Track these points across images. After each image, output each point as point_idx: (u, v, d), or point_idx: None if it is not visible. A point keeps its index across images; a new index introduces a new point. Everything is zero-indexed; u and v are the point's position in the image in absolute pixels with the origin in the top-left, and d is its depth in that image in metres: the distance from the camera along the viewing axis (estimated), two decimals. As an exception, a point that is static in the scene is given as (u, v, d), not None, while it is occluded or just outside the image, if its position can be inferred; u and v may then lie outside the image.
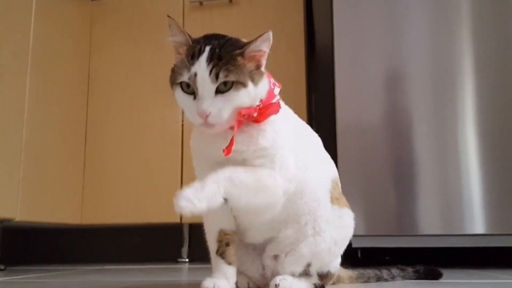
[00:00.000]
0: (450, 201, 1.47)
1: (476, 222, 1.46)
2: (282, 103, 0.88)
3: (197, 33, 2.36)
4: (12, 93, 1.65)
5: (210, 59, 0.73)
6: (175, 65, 0.79)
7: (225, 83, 0.73)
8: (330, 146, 0.97)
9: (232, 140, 0.74)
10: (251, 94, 0.75)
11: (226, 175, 0.74)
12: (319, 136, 0.94)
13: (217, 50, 0.74)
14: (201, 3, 2.08)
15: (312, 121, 2.11)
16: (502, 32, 1.53)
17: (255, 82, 0.76)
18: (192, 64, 0.73)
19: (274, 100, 0.80)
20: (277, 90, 0.82)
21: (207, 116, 0.72)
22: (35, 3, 1.77)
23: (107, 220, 2.01)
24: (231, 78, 0.73)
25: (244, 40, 0.78)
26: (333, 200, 0.87)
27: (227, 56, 0.74)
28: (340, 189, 0.92)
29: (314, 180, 0.84)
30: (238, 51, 0.75)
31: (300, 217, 0.83)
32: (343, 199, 0.90)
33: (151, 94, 2.06)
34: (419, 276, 1.09)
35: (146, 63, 2.10)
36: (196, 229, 2.05)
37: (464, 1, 1.56)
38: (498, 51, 1.52)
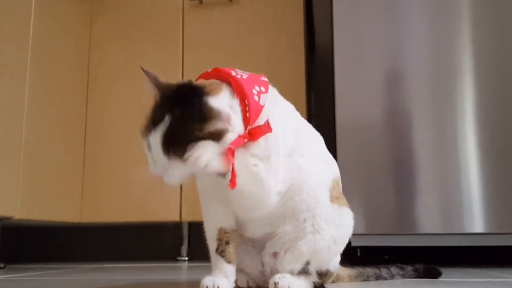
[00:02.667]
0: (449, 200, 1.47)
1: (475, 221, 1.46)
2: (282, 101, 0.87)
3: (198, 32, 2.37)
4: (11, 91, 1.65)
5: (165, 134, 0.70)
6: (145, 117, 0.77)
7: (179, 156, 0.70)
8: (330, 145, 0.97)
9: (233, 172, 0.72)
10: (206, 162, 0.71)
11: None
12: (319, 134, 0.94)
13: (175, 124, 0.70)
14: (201, 2, 2.08)
15: (312, 120, 2.11)
16: (502, 32, 1.53)
17: (217, 142, 0.71)
18: (149, 132, 0.73)
19: (263, 113, 0.76)
20: (263, 99, 0.76)
21: (163, 179, 0.73)
22: (34, 1, 1.77)
23: (107, 218, 2.01)
24: (180, 151, 0.70)
25: (208, 106, 0.70)
26: (333, 198, 0.87)
27: (182, 131, 0.70)
28: (341, 188, 0.92)
29: (313, 178, 0.84)
30: (195, 128, 0.69)
31: (299, 214, 0.83)
32: (343, 199, 0.90)
33: (150, 92, 2.06)
34: (419, 274, 1.09)
35: (145, 61, 2.09)
36: (196, 228, 2.05)
37: (464, 1, 1.56)
38: (498, 51, 1.52)
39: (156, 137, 0.71)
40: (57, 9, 1.93)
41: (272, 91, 0.85)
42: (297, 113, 0.90)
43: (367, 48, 1.60)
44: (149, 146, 0.73)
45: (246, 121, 0.74)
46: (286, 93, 0.89)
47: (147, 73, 0.78)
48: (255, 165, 0.76)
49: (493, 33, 1.53)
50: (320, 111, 2.26)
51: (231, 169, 0.73)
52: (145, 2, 2.15)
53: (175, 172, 0.72)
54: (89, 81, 2.14)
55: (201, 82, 0.77)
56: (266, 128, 0.76)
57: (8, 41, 1.64)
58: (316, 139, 0.92)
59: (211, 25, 2.08)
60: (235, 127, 0.72)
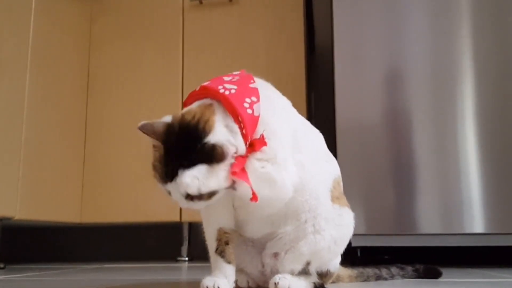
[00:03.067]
0: (449, 200, 1.47)
1: (475, 221, 1.46)
2: (279, 95, 0.86)
3: (198, 32, 2.36)
4: (11, 91, 1.65)
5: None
6: (153, 162, 0.77)
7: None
8: (330, 144, 0.96)
9: (250, 184, 0.73)
10: (222, 193, 0.76)
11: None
12: (319, 134, 0.93)
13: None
14: (201, 2, 2.08)
15: (312, 120, 2.11)
16: (502, 32, 1.53)
17: (224, 183, 0.74)
18: (166, 183, 0.74)
19: (259, 124, 0.77)
20: (257, 109, 0.77)
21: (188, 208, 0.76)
22: (34, 1, 1.77)
23: (107, 218, 2.01)
24: (204, 195, 0.73)
25: (211, 144, 0.72)
26: (334, 199, 0.86)
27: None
28: (342, 188, 0.92)
29: (315, 178, 0.84)
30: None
31: (300, 214, 0.83)
32: (344, 199, 0.90)
33: (151, 92, 2.06)
34: (419, 275, 1.09)
35: (145, 61, 2.10)
36: (196, 228, 2.05)
37: (464, 1, 1.56)
38: (498, 51, 1.52)
39: (175, 188, 0.74)
40: (57, 9, 1.93)
41: (267, 87, 0.85)
42: (294, 110, 0.89)
43: (367, 48, 1.60)
44: (166, 191, 0.76)
45: (244, 137, 0.75)
46: (286, 93, 0.88)
47: (144, 130, 0.78)
48: (262, 167, 0.76)
49: (493, 33, 1.53)
50: (320, 111, 2.26)
51: (249, 186, 0.73)
52: (145, 2, 2.15)
53: (199, 206, 0.75)
54: (89, 81, 2.14)
55: (193, 113, 0.76)
56: (261, 142, 0.75)
57: (8, 42, 1.64)
58: (315, 137, 0.91)
59: (211, 26, 2.08)
60: (240, 148, 0.74)
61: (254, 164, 0.75)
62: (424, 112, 1.53)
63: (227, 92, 0.76)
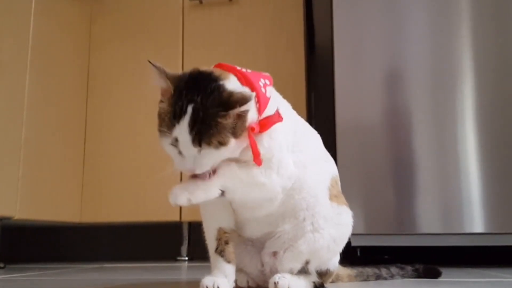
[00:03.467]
0: (449, 200, 1.47)
1: (475, 221, 1.46)
2: (280, 98, 0.87)
3: (198, 32, 2.36)
4: (11, 91, 1.65)
5: (192, 124, 0.70)
6: (159, 110, 0.75)
7: (209, 145, 0.71)
8: (330, 144, 0.97)
9: (255, 152, 0.74)
10: (232, 148, 0.73)
11: (221, 169, 0.75)
12: (319, 134, 0.94)
13: (200, 113, 0.70)
14: (200, 2, 2.08)
15: (312, 120, 2.11)
16: (502, 32, 1.53)
17: (237, 136, 0.72)
18: (173, 126, 0.71)
19: (269, 105, 0.78)
20: (269, 91, 0.79)
21: (194, 171, 0.73)
22: (34, 1, 1.77)
23: (107, 218, 2.01)
24: (213, 141, 0.70)
25: (228, 90, 0.72)
26: (332, 197, 0.87)
27: (209, 119, 0.70)
28: (340, 187, 0.92)
29: (313, 176, 0.84)
30: (221, 114, 0.70)
31: (298, 212, 0.83)
32: (342, 198, 0.90)
33: (150, 91, 2.06)
34: (418, 274, 1.09)
35: (145, 61, 2.09)
36: (196, 228, 2.05)
37: (464, 1, 1.56)
38: (498, 51, 1.52)
39: (182, 129, 0.70)
40: (57, 9, 1.93)
41: (271, 90, 0.86)
42: (294, 112, 0.90)
43: (367, 48, 1.60)
44: (174, 141, 0.72)
45: (258, 110, 0.76)
46: (285, 93, 0.89)
47: (156, 67, 0.76)
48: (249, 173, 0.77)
49: (493, 33, 1.53)
50: (320, 111, 2.26)
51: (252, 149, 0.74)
52: (145, 2, 2.15)
53: (206, 161, 0.72)
54: (89, 81, 2.14)
55: (207, 68, 0.78)
56: (277, 117, 0.78)
57: (8, 41, 1.65)
58: (314, 137, 0.92)
59: (211, 25, 2.08)
60: (254, 116, 0.75)
61: (251, 158, 0.76)
62: (424, 112, 1.53)
63: (243, 70, 0.79)
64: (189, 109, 0.70)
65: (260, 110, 0.76)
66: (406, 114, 1.55)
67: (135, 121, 2.05)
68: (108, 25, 2.17)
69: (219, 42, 2.05)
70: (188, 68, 0.76)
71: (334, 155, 0.97)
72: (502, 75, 1.51)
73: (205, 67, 0.79)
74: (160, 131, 0.73)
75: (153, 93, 2.30)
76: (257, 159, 0.75)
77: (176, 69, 2.17)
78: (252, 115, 0.74)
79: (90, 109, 2.11)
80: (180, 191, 0.74)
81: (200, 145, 0.70)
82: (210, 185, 0.75)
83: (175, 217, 1.96)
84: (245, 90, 0.74)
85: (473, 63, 1.53)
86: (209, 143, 0.70)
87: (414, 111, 1.54)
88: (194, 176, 0.75)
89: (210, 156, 0.72)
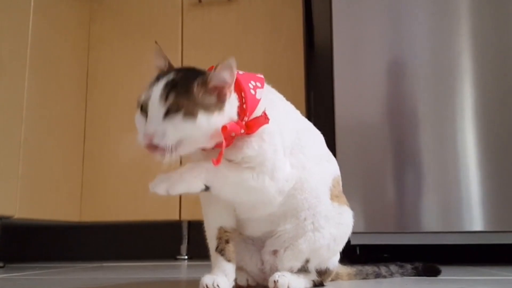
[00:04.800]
0: (449, 198, 1.48)
1: (475, 219, 1.46)
2: (282, 99, 0.88)
3: (197, 31, 2.37)
4: (10, 91, 1.65)
5: (166, 85, 0.72)
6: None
7: (176, 110, 0.70)
8: (329, 143, 0.97)
9: (221, 153, 0.73)
10: (201, 127, 0.71)
11: (207, 164, 0.75)
12: (319, 133, 0.94)
13: (177, 77, 0.73)
14: (200, 1, 2.08)
15: (311, 119, 2.10)
16: (502, 32, 1.53)
17: (209, 114, 0.71)
18: (151, 87, 0.73)
19: (259, 107, 0.78)
20: (259, 93, 0.78)
21: (149, 137, 0.71)
22: (33, 1, 1.76)
23: (106, 217, 2.01)
24: (180, 102, 0.70)
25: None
26: (333, 197, 0.87)
27: (184, 82, 0.72)
28: (341, 187, 0.93)
29: (315, 177, 0.85)
30: (197, 80, 0.72)
31: (300, 212, 0.83)
32: (343, 198, 0.91)
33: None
34: (418, 272, 1.09)
35: (144, 61, 2.09)
36: (195, 227, 2.05)
37: (463, 0, 1.57)
38: (498, 51, 1.52)
39: (158, 87, 0.72)
40: (55, 9, 1.93)
41: (270, 90, 0.86)
42: (298, 112, 0.90)
43: (366, 47, 1.60)
44: (145, 104, 0.72)
45: (243, 112, 0.76)
46: (285, 93, 0.89)
47: (159, 48, 0.80)
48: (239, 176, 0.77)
49: (493, 32, 1.53)
50: (320, 110, 2.26)
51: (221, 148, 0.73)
52: (144, 1, 2.15)
53: (169, 131, 0.70)
54: (88, 81, 2.13)
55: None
56: (263, 119, 0.76)
57: (7, 41, 1.64)
58: (316, 137, 0.92)
59: (210, 25, 2.08)
60: (232, 115, 0.74)
61: (241, 161, 0.76)
62: (424, 111, 1.54)
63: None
64: (170, 75, 0.73)
65: (247, 110, 0.76)
66: (406, 113, 1.55)
67: (134, 120, 2.05)
68: (107, 24, 2.16)
69: (218, 41, 2.05)
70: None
71: (333, 153, 0.97)
72: (502, 74, 1.51)
73: (205, 68, 0.80)
74: (138, 99, 0.75)
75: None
76: (219, 158, 0.72)
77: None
78: (231, 111, 0.74)
79: (89, 108, 2.11)
80: (160, 181, 0.73)
81: (166, 100, 0.70)
82: (193, 177, 0.74)
83: (174, 216, 1.96)
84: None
85: (473, 63, 1.53)
86: (177, 105, 0.70)
87: (413, 110, 1.54)
88: (151, 148, 0.71)
89: (175, 127, 0.70)
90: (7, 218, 1.64)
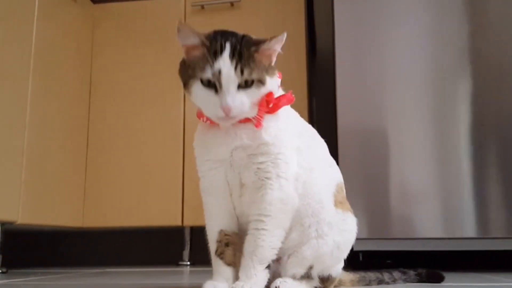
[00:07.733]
0: (451, 204, 1.47)
1: (478, 226, 1.45)
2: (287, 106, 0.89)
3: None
4: (14, 96, 1.66)
5: (232, 56, 0.75)
6: (189, 62, 0.79)
7: (250, 81, 0.76)
8: (332, 150, 0.97)
9: (261, 116, 0.78)
10: (268, 89, 0.78)
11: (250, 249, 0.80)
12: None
13: (237, 47, 0.76)
14: (202, 7, 2.09)
15: (313, 124, 2.10)
16: (502, 32, 1.53)
17: (270, 77, 0.79)
18: (215, 60, 0.75)
19: (280, 91, 0.84)
20: (279, 82, 0.85)
21: (229, 110, 0.74)
22: (37, 6, 1.77)
23: (109, 223, 2.01)
24: (254, 75, 0.75)
25: (254, 37, 0.80)
26: (337, 203, 0.87)
27: (246, 53, 0.76)
28: (345, 194, 0.92)
29: (319, 182, 0.85)
30: (254, 48, 0.77)
31: (304, 219, 0.83)
32: (347, 204, 0.90)
33: (153, 97, 2.07)
34: (421, 279, 1.08)
35: (147, 66, 2.10)
36: (198, 232, 2.05)
37: (463, 2, 1.57)
38: (498, 51, 1.52)
39: (225, 61, 0.75)
40: (59, 14, 1.94)
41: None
42: (302, 119, 0.91)
43: (368, 52, 1.60)
44: (217, 74, 0.75)
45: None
46: (287, 97, 0.89)
47: (186, 26, 0.82)
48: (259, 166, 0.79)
49: (493, 33, 1.53)
50: (322, 116, 2.26)
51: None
52: (147, 7, 2.16)
53: (245, 99, 0.75)
54: (91, 86, 2.14)
55: None
56: (289, 96, 0.83)
57: (11, 46, 1.65)
58: (320, 144, 0.92)
59: (212, 30, 2.08)
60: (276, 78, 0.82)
61: (256, 150, 0.79)
62: (426, 116, 1.53)
63: None
64: (227, 45, 0.76)
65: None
66: (407, 119, 1.54)
67: (137, 126, 2.05)
68: (110, 30, 2.17)
69: (221, 46, 2.05)
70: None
71: (336, 159, 0.97)
72: (502, 75, 1.51)
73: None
74: (192, 77, 0.77)
75: (156, 98, 2.30)
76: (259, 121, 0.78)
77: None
78: (275, 82, 0.81)
79: (92, 113, 2.12)
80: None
81: (242, 75, 0.75)
82: (256, 273, 0.78)
83: (177, 222, 1.95)
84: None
85: (473, 65, 1.53)
86: (250, 73, 0.75)
87: (415, 116, 1.54)
88: (226, 119, 0.75)
89: (251, 96, 0.76)
90: (10, 223, 1.65)
